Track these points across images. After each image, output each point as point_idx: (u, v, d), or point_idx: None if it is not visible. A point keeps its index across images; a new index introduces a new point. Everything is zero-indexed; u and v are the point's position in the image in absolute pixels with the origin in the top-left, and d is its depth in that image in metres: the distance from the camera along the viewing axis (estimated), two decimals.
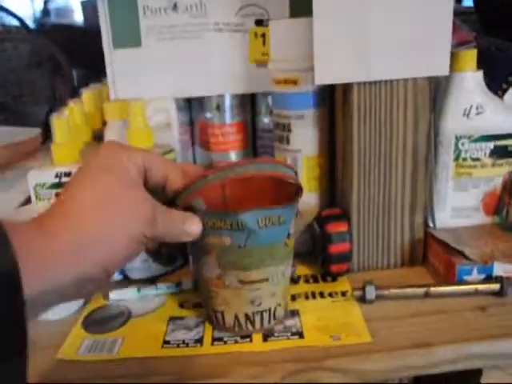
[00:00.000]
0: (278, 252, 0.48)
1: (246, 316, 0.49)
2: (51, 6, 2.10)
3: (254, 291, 0.48)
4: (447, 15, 0.53)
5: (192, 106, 0.75)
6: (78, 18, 2.07)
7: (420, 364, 0.47)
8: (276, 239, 0.47)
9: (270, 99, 0.69)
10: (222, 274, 0.47)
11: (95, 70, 0.84)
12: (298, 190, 0.49)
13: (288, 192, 0.49)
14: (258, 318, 0.49)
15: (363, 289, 0.54)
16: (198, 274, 0.51)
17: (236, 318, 0.49)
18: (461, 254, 0.56)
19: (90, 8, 1.68)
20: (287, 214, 0.47)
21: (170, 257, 0.61)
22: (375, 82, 0.55)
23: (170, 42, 0.69)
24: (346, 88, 0.56)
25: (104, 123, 0.67)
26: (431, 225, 0.62)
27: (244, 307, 0.49)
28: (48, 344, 0.51)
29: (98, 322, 0.54)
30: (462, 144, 0.59)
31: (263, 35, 0.69)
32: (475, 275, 0.55)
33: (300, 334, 0.49)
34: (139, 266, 0.60)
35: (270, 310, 0.50)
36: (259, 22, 0.69)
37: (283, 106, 0.61)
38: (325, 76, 0.55)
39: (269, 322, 0.50)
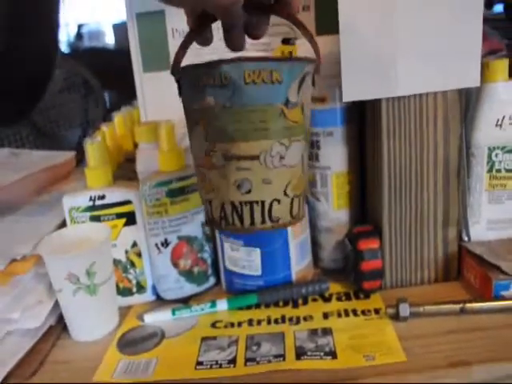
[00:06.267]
0: (272, 121, 0.40)
1: (233, 205, 0.41)
2: (84, 30, 2.17)
3: (241, 171, 0.40)
4: (477, 24, 0.52)
5: None
6: (110, 40, 2.12)
7: None
8: (267, 102, 0.39)
9: None
10: (209, 149, 0.41)
11: (127, 93, 0.86)
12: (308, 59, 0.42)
13: None
14: (246, 211, 0.41)
15: (397, 306, 0.53)
16: (193, 157, 0.44)
17: (222, 207, 0.42)
18: (497, 268, 0.54)
19: (121, 31, 1.72)
20: (283, 72, 0.39)
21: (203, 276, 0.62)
22: (404, 97, 0.55)
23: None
24: (375, 104, 0.56)
25: (136, 145, 0.68)
26: (465, 238, 0.60)
27: (230, 193, 0.41)
28: (84, 365, 0.52)
29: (133, 343, 0.54)
30: (496, 155, 0.58)
31: (290, 53, 0.69)
32: None
33: (333, 354, 0.49)
34: (172, 286, 0.61)
35: (263, 204, 0.41)
36: (286, 41, 0.70)
37: (311, 124, 0.61)
38: (352, 93, 0.55)
39: (262, 220, 0.41)
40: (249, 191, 0.40)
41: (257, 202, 0.41)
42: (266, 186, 0.41)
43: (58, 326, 0.58)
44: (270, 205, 0.41)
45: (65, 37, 2.10)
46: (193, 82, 0.40)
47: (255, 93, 0.39)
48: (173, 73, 0.42)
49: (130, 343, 0.55)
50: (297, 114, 0.41)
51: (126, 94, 0.90)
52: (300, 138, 0.42)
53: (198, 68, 0.40)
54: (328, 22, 0.64)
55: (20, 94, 0.71)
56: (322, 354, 0.49)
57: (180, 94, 0.43)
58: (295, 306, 0.58)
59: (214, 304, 0.58)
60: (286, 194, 0.42)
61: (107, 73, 1.29)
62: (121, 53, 1.03)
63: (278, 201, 0.41)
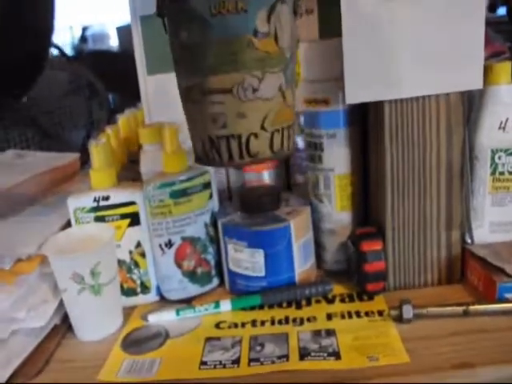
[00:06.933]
0: (240, 53, 0.39)
1: (211, 141, 0.41)
2: (88, 32, 2.18)
3: (215, 105, 0.40)
4: (479, 27, 0.52)
5: None
6: (114, 43, 2.13)
7: None
8: (233, 33, 0.39)
9: (301, 119, 0.70)
10: (188, 86, 0.41)
11: (131, 94, 0.86)
12: None
13: None
14: (224, 146, 0.41)
15: (400, 308, 0.53)
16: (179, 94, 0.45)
17: (203, 143, 0.42)
18: (501, 270, 0.54)
19: (125, 33, 1.73)
20: (249, 1, 0.39)
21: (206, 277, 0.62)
22: (406, 99, 0.55)
23: None
24: (378, 106, 0.56)
25: (139, 146, 0.69)
26: (469, 241, 0.60)
27: (207, 128, 0.41)
28: (88, 364, 0.52)
29: (137, 343, 0.55)
30: (499, 158, 0.58)
31: None
32: None
33: (336, 355, 0.49)
34: (176, 287, 0.61)
35: (239, 138, 0.41)
36: None
37: (315, 125, 0.62)
38: (355, 95, 0.55)
39: (240, 155, 0.41)
40: (224, 125, 0.40)
41: (233, 136, 0.41)
42: (241, 120, 0.40)
43: (63, 326, 0.58)
44: (247, 139, 0.41)
45: (69, 39, 2.11)
46: (170, 19, 0.41)
47: (222, 24, 0.39)
48: (159, 13, 0.42)
49: (135, 343, 0.55)
50: (269, 44, 0.40)
51: (130, 95, 0.90)
52: (276, 69, 0.41)
53: (172, 4, 0.40)
54: (331, 24, 0.64)
55: (20, 66, 0.71)
56: (325, 354, 0.49)
57: (165, 31, 0.43)
58: (299, 307, 0.58)
59: (217, 304, 0.59)
60: (263, 127, 0.41)
61: (111, 75, 1.29)
62: (125, 55, 1.03)
63: (255, 135, 0.41)
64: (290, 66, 0.43)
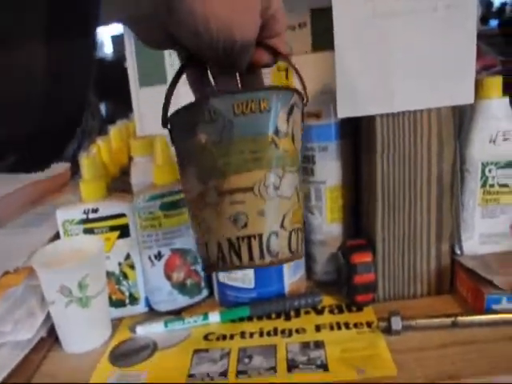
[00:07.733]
0: (263, 151, 0.39)
1: (230, 243, 0.39)
2: None
3: (235, 205, 0.39)
4: (470, 43, 0.53)
5: None
6: (108, 51, 2.14)
7: None
8: (257, 131, 0.39)
9: None
10: (202, 191, 0.40)
11: (123, 104, 0.86)
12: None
13: None
14: (244, 247, 0.39)
15: (389, 319, 0.53)
16: (187, 202, 0.43)
17: (219, 247, 0.40)
18: (489, 282, 0.54)
19: (119, 42, 1.73)
20: (272, 100, 0.39)
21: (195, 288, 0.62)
22: (398, 113, 0.55)
23: None
24: (369, 119, 0.57)
25: (130, 158, 0.69)
26: (458, 252, 0.61)
27: (226, 229, 0.39)
28: (75, 377, 0.52)
29: (125, 355, 0.54)
30: (489, 171, 0.59)
31: (286, 69, 0.70)
32: (504, 304, 0.53)
33: (325, 367, 0.49)
34: (165, 298, 0.61)
35: (260, 238, 0.39)
36: None
37: (307, 139, 0.62)
38: (347, 109, 0.55)
39: (261, 255, 0.39)
40: (245, 225, 0.39)
41: (254, 236, 0.39)
42: (263, 219, 0.39)
43: (50, 338, 0.57)
44: (268, 238, 0.39)
45: None
46: (183, 124, 0.40)
47: (244, 123, 0.38)
48: (164, 124, 0.41)
49: (123, 355, 0.55)
50: (288, 143, 0.40)
51: (122, 103, 0.90)
52: (293, 169, 0.41)
53: (188, 108, 0.39)
54: (324, 38, 0.65)
55: (56, 134, 0.71)
56: (313, 367, 0.49)
57: (172, 142, 0.42)
58: (288, 318, 0.58)
59: (206, 316, 0.59)
60: (283, 226, 0.40)
61: (104, 83, 1.29)
62: (119, 63, 1.03)
63: (276, 234, 0.40)
64: (300, 169, 0.43)
